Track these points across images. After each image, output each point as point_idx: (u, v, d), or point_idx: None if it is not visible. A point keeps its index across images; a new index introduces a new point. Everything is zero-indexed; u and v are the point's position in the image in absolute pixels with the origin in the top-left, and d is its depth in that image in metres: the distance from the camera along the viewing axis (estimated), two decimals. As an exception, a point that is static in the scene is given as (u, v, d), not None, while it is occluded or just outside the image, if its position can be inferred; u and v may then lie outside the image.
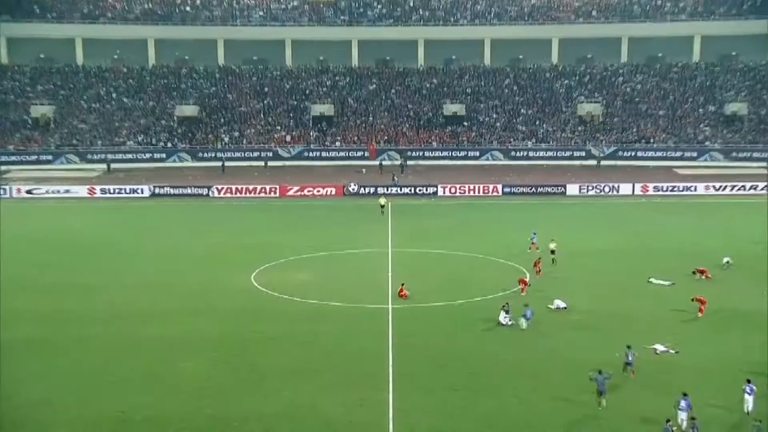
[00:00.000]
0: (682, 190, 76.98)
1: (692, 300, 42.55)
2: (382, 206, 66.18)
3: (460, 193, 76.93)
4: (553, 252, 51.69)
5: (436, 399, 33.01)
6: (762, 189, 76.40)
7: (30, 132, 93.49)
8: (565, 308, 43.37)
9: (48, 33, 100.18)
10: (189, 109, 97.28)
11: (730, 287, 46.27)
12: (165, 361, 36.84)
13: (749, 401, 31.44)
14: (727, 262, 50.57)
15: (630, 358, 34.31)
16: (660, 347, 37.19)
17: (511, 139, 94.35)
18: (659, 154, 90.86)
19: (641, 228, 63.64)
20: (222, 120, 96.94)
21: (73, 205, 73.82)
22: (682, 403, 29.61)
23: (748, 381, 31.62)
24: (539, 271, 48.54)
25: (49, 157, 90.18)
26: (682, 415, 29.43)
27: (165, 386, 34.22)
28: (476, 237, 57.90)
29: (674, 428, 28.19)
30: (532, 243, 54.48)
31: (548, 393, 33.44)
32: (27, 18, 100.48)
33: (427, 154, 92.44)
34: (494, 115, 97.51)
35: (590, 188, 77.20)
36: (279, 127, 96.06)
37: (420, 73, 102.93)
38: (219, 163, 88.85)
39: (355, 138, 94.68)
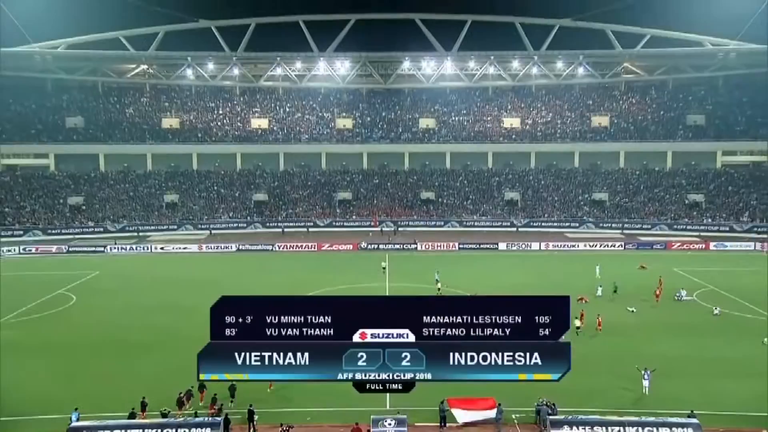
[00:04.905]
0: (570, 247, 77.24)
1: (580, 316, 42.65)
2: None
3: (431, 248, 77.05)
4: (438, 289, 51.38)
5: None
6: (618, 246, 77.06)
7: (163, 211, 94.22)
8: (497, 321, 43.32)
9: (176, 150, 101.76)
10: (261, 196, 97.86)
11: (599, 307, 46.40)
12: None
13: (646, 384, 30.33)
14: (599, 294, 50.85)
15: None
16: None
17: (463, 214, 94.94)
18: (555, 224, 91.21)
19: (545, 270, 63.89)
20: (281, 203, 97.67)
21: (188, 256, 74.25)
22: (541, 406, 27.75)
23: (646, 369, 30.59)
24: None
25: (174, 227, 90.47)
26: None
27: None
28: (442, 276, 57.80)
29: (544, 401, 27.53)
30: (437, 281, 54.16)
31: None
32: (162, 140, 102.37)
33: (410, 223, 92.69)
34: (452, 199, 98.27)
35: (513, 245, 77.41)
36: (317, 207, 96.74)
37: (406, 173, 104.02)
38: (280, 229, 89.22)
39: (365, 213, 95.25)
